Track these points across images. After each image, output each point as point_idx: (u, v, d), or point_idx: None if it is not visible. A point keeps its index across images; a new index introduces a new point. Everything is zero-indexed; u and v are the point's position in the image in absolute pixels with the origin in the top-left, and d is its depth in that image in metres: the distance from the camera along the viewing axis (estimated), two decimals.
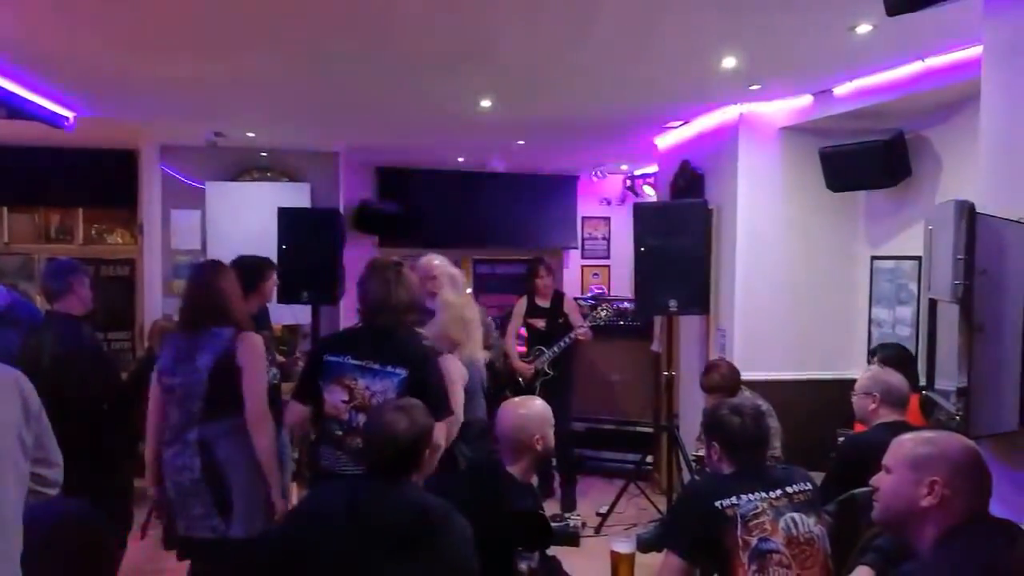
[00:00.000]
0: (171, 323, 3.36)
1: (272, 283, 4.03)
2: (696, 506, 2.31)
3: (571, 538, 2.72)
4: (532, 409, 2.70)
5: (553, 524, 2.64)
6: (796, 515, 2.27)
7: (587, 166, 8.16)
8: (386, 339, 2.90)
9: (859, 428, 3.44)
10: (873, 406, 3.18)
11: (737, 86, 4.32)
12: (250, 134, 6.02)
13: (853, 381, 3.54)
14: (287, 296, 5.26)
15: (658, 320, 5.93)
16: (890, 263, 4.59)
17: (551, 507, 4.94)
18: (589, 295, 8.16)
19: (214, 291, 3.05)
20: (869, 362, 4.02)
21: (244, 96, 4.75)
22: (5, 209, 6.46)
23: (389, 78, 4.23)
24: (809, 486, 2.38)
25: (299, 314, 5.71)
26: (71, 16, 3.24)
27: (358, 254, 6.55)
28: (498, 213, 8.30)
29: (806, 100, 4.59)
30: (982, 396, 2.27)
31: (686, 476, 4.74)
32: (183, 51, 3.76)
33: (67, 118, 5.09)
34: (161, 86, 4.46)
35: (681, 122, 5.53)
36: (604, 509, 5.13)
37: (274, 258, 5.24)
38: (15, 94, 4.41)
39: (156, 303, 6.28)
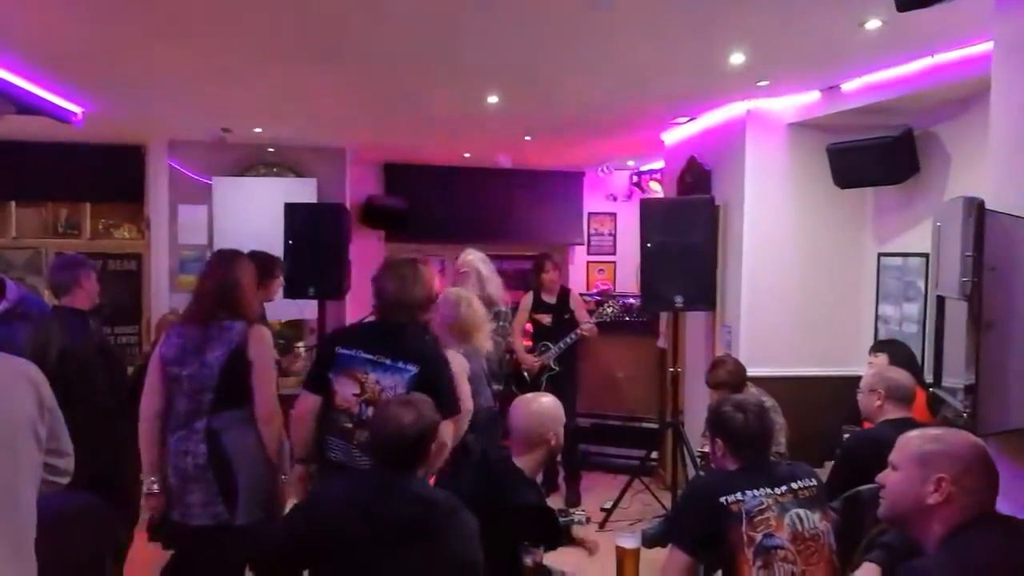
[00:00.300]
0: (179, 317, 3.35)
1: (279, 282, 4.06)
2: (701, 502, 2.31)
3: (570, 540, 2.74)
4: (548, 405, 2.73)
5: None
6: (801, 511, 2.27)
7: (594, 162, 8.14)
8: (398, 335, 2.92)
9: (866, 425, 3.44)
10: (878, 403, 3.18)
11: (745, 82, 4.31)
12: (257, 129, 6.02)
13: (859, 378, 3.54)
14: (293, 291, 5.27)
15: (664, 316, 5.93)
16: (897, 260, 4.57)
17: (555, 502, 4.95)
18: (595, 291, 8.15)
19: (231, 281, 3.05)
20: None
21: (251, 92, 4.76)
22: (13, 204, 6.49)
23: (396, 74, 4.23)
24: (814, 482, 2.38)
25: (305, 309, 5.71)
26: (80, 12, 3.24)
27: (364, 249, 6.58)
28: (504, 209, 8.29)
29: (814, 96, 4.57)
30: (990, 393, 2.26)
31: (691, 472, 4.74)
32: (191, 47, 3.76)
33: (75, 114, 5.10)
34: (169, 82, 4.46)
35: (688, 118, 5.52)
36: (609, 505, 5.14)
37: (280, 253, 5.28)
38: (24, 90, 4.43)
39: (163, 298, 6.31)
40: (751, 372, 4.16)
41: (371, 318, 3.18)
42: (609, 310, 5.62)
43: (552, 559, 2.76)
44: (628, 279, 8.38)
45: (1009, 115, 2.57)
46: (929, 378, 3.44)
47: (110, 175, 6.46)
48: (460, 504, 2.18)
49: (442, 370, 2.92)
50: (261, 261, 3.93)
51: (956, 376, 2.45)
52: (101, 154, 6.37)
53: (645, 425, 6.19)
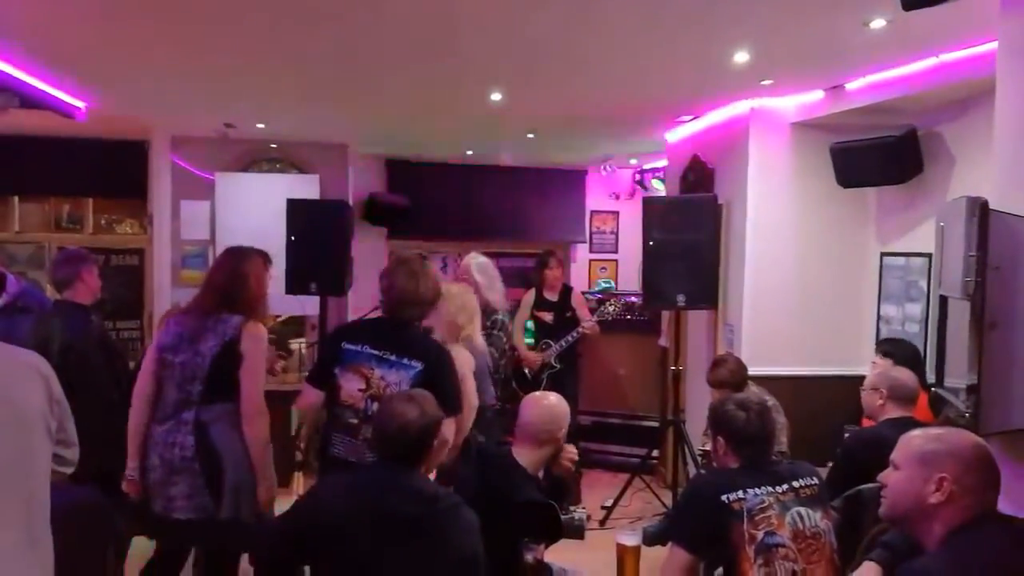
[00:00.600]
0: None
1: (268, 278, 4.03)
2: (702, 500, 2.31)
3: (577, 531, 2.74)
4: (560, 404, 2.75)
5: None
6: (802, 510, 2.27)
7: (596, 160, 8.14)
8: (404, 332, 2.93)
9: (868, 424, 3.44)
10: (880, 402, 3.18)
11: (748, 81, 4.30)
12: (260, 125, 6.02)
13: (861, 377, 3.54)
14: (295, 287, 5.27)
15: (666, 315, 5.93)
16: (900, 260, 4.56)
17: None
18: (596, 290, 8.15)
19: (237, 277, 3.06)
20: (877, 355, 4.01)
21: (254, 88, 4.76)
22: (16, 198, 6.49)
23: (399, 72, 4.23)
24: (816, 481, 2.38)
25: (307, 305, 5.71)
26: (83, 7, 3.24)
27: (367, 246, 6.58)
28: (506, 206, 8.29)
29: (818, 95, 4.56)
30: (993, 393, 2.26)
31: (692, 470, 4.75)
32: (194, 43, 3.77)
33: (79, 108, 5.10)
34: (172, 77, 4.47)
35: (692, 116, 5.51)
36: (609, 502, 5.14)
37: (283, 249, 5.28)
38: (28, 84, 4.43)
39: (165, 293, 6.31)
40: (753, 371, 4.15)
41: (375, 314, 3.18)
42: (611, 309, 5.62)
43: (552, 556, 2.77)
44: (630, 277, 8.37)
45: (1013, 115, 2.57)
46: (931, 378, 3.45)
47: (113, 170, 6.46)
48: (461, 500, 2.19)
49: (447, 367, 2.93)
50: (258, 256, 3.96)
51: (958, 376, 2.44)
52: (104, 149, 6.36)
53: (646, 423, 6.20)
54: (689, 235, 4.83)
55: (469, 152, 7.49)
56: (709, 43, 3.63)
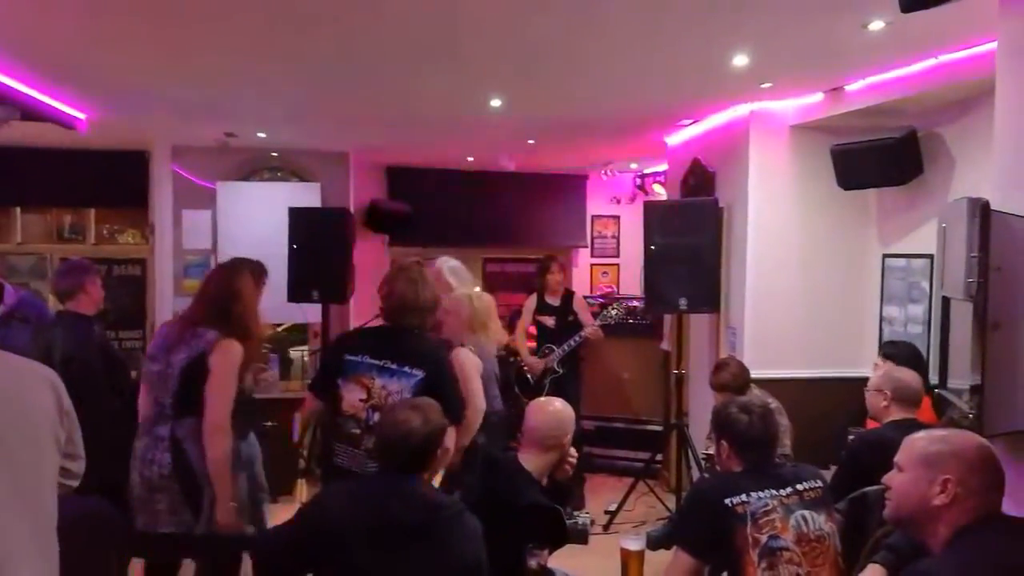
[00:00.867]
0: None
1: (262, 290, 4.03)
2: (706, 504, 2.30)
3: (580, 536, 2.73)
4: (565, 410, 2.75)
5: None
6: (806, 513, 2.26)
7: (597, 165, 8.14)
8: (404, 340, 2.93)
9: (871, 425, 3.43)
10: (885, 403, 3.17)
11: (748, 84, 4.30)
12: (261, 134, 6.04)
13: (864, 379, 3.53)
14: (297, 295, 5.28)
15: (668, 318, 5.92)
16: (902, 261, 4.56)
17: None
18: (598, 294, 8.15)
19: (228, 292, 3.05)
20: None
21: (255, 97, 4.77)
22: (18, 210, 6.50)
23: (399, 78, 4.24)
24: (819, 484, 2.37)
25: (309, 313, 5.72)
26: (83, 18, 3.25)
27: (368, 253, 6.58)
28: (508, 212, 8.30)
29: (817, 98, 4.56)
30: (996, 394, 2.25)
31: (695, 474, 4.74)
32: (194, 52, 3.77)
33: (80, 119, 5.12)
34: (172, 87, 4.47)
35: (692, 120, 5.52)
36: (613, 507, 5.13)
37: (285, 257, 5.29)
38: (29, 96, 4.44)
39: (167, 303, 6.31)
40: (755, 374, 4.15)
41: (376, 322, 3.18)
42: (613, 313, 5.62)
43: (555, 562, 2.76)
44: (632, 282, 8.37)
45: (1013, 115, 2.57)
46: (934, 379, 3.44)
47: (114, 180, 6.47)
48: (464, 507, 2.19)
49: (448, 375, 2.93)
50: (257, 268, 3.96)
51: (962, 377, 2.44)
52: (105, 160, 6.38)
53: (649, 427, 6.19)
54: (690, 239, 4.83)
55: (470, 158, 7.50)
56: (708, 47, 3.63)
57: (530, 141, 6.33)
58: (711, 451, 3.37)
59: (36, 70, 4.08)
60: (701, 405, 5.15)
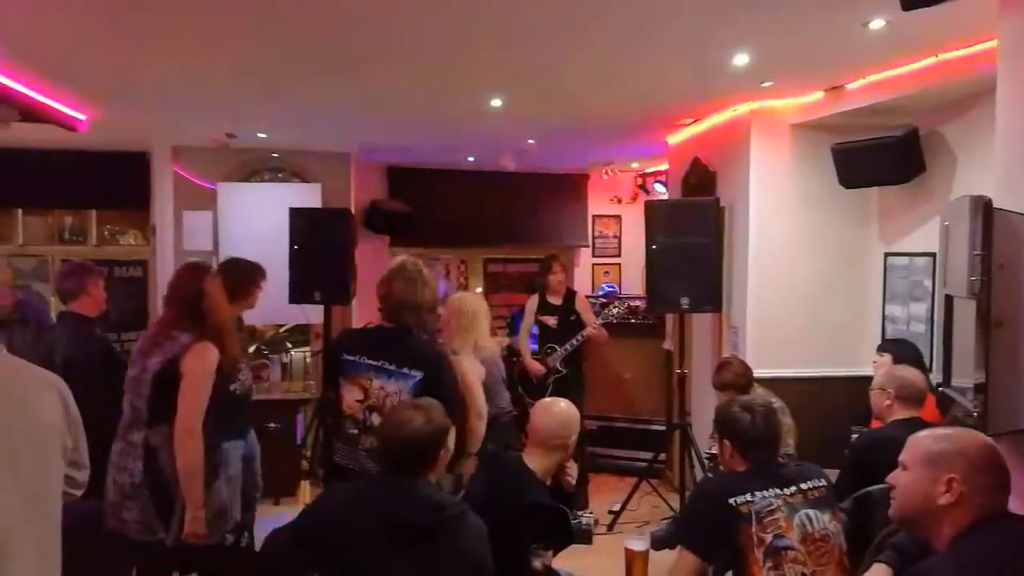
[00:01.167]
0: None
1: (259, 291, 4.00)
2: (710, 503, 2.30)
3: (584, 536, 2.73)
4: (570, 411, 2.75)
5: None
6: (811, 512, 2.26)
7: (598, 164, 8.14)
8: (401, 340, 2.92)
9: (875, 424, 3.42)
10: (888, 402, 3.17)
11: (749, 83, 4.30)
12: (261, 135, 6.04)
13: (867, 378, 3.53)
14: (299, 296, 5.28)
15: (670, 318, 5.92)
16: (904, 260, 4.56)
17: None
18: (600, 293, 8.14)
19: (194, 291, 2.99)
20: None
21: (255, 98, 4.77)
22: (19, 211, 6.51)
23: (400, 78, 4.24)
24: (824, 483, 2.37)
25: (311, 313, 5.72)
26: (84, 20, 3.25)
27: (369, 254, 6.58)
28: (509, 212, 8.30)
29: (818, 96, 4.56)
30: (1000, 392, 2.25)
31: (699, 474, 4.73)
32: (194, 54, 3.77)
33: (80, 120, 5.12)
34: (173, 88, 4.48)
35: (692, 119, 5.51)
36: (617, 507, 5.13)
37: (286, 258, 5.29)
38: (30, 97, 4.44)
39: None
40: (758, 373, 4.14)
41: (375, 322, 3.18)
42: (615, 311, 5.61)
43: (560, 562, 2.76)
44: (633, 281, 8.37)
45: (1015, 113, 2.57)
46: (937, 378, 3.43)
47: (115, 182, 6.47)
48: (468, 507, 2.19)
49: (447, 375, 2.92)
50: (244, 270, 3.95)
51: (965, 375, 2.44)
52: (106, 161, 6.38)
53: (652, 427, 6.18)
54: (692, 238, 4.83)
55: (470, 158, 7.50)
56: (709, 46, 3.63)
57: (530, 140, 6.33)
58: (714, 451, 3.37)
59: (37, 71, 4.08)
60: (704, 405, 5.15)
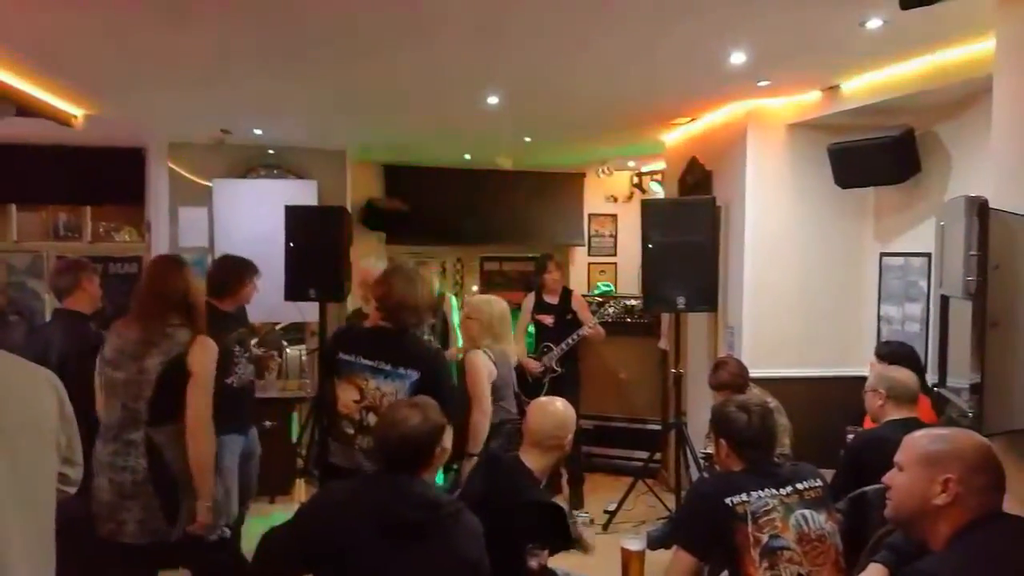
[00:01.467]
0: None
1: (251, 287, 4.03)
2: (706, 503, 2.30)
3: (583, 546, 2.74)
4: (566, 410, 2.75)
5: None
6: (807, 512, 2.26)
7: (594, 163, 8.14)
8: (398, 341, 2.91)
9: (870, 424, 3.43)
10: (880, 403, 3.17)
11: (745, 82, 4.30)
12: (257, 131, 6.02)
13: (862, 378, 3.53)
14: (294, 294, 5.27)
15: (665, 317, 5.92)
16: (899, 260, 4.56)
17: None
18: (596, 292, 8.15)
19: (180, 285, 2.96)
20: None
21: (250, 94, 4.75)
22: (14, 207, 6.47)
23: (396, 76, 4.23)
24: (820, 483, 2.37)
25: (306, 311, 5.70)
26: (78, 14, 3.23)
27: (365, 252, 6.57)
28: (504, 210, 8.30)
29: (815, 96, 4.56)
30: (996, 393, 2.26)
31: (694, 473, 4.74)
32: (189, 48, 3.76)
33: (75, 116, 5.10)
34: (168, 84, 4.46)
35: (689, 118, 5.51)
36: (612, 507, 5.13)
37: (281, 256, 5.28)
38: (25, 92, 4.42)
39: None
40: (754, 373, 4.15)
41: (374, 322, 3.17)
42: (611, 310, 5.61)
43: (555, 562, 2.75)
44: (629, 280, 8.38)
45: (1011, 114, 2.57)
46: (933, 378, 3.44)
47: (110, 178, 6.45)
48: (464, 506, 2.18)
49: (443, 375, 2.92)
50: (233, 266, 3.99)
51: (961, 376, 2.44)
52: (101, 157, 6.35)
53: (648, 426, 6.18)
54: (688, 237, 4.83)
55: (467, 156, 7.49)
56: (706, 44, 3.63)
57: (527, 139, 6.33)
58: (710, 450, 3.37)
59: (32, 66, 4.06)
60: (699, 404, 5.15)
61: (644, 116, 5.40)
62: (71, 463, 1.95)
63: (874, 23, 3.21)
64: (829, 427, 4.17)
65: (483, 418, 3.18)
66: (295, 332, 6.60)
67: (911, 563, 1.84)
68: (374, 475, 2.28)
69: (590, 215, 8.86)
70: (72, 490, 1.98)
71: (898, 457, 1.91)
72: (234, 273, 3.97)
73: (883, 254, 4.72)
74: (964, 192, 2.52)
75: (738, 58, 3.78)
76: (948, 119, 4.14)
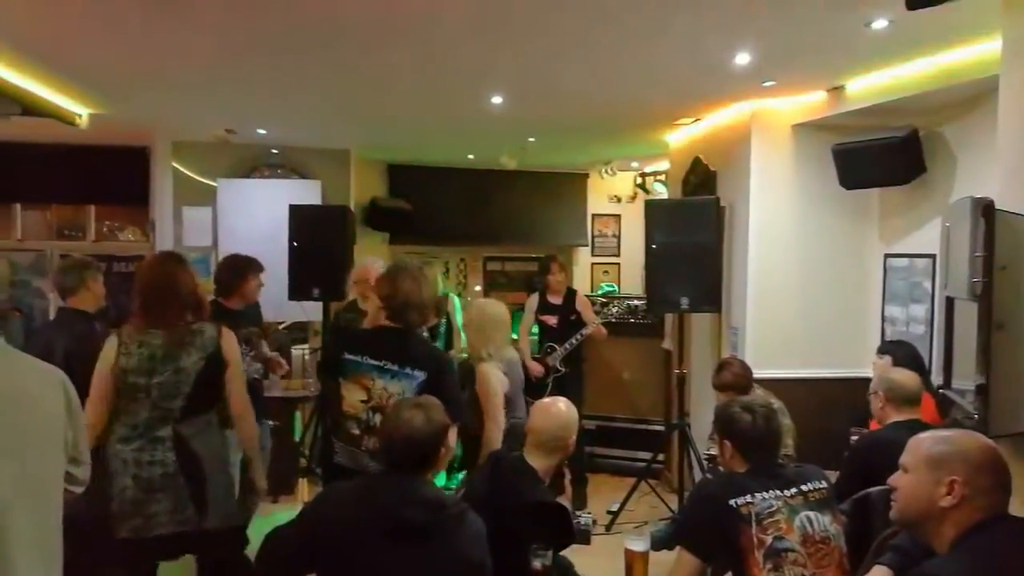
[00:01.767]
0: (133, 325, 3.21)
1: (254, 284, 4.10)
2: (711, 504, 2.29)
3: (583, 536, 2.73)
4: (569, 411, 2.75)
5: None
6: (811, 514, 2.25)
7: (598, 163, 8.13)
8: (405, 341, 2.91)
9: (873, 426, 3.42)
10: (881, 405, 3.15)
11: (750, 82, 4.29)
12: (261, 131, 6.03)
13: (866, 379, 3.52)
14: (298, 293, 5.27)
15: (669, 318, 5.91)
16: (904, 261, 4.55)
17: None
18: (599, 293, 8.14)
19: (191, 284, 3.00)
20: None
21: (255, 94, 4.76)
22: (18, 206, 6.50)
23: (401, 76, 4.23)
24: (824, 484, 2.36)
25: (310, 310, 5.71)
26: (85, 15, 3.24)
27: (369, 251, 6.56)
28: (508, 210, 8.29)
29: (819, 96, 4.55)
30: (1002, 395, 2.25)
31: (697, 474, 4.73)
32: (195, 50, 3.76)
33: (79, 115, 5.10)
34: (173, 84, 4.46)
35: (693, 119, 5.50)
36: (615, 507, 5.12)
37: (285, 255, 5.28)
38: (29, 91, 4.43)
39: None
40: (757, 374, 4.13)
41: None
42: (615, 310, 5.61)
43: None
44: (632, 281, 8.37)
45: (1017, 114, 2.56)
46: (938, 379, 3.43)
47: (114, 177, 6.47)
48: (468, 507, 2.18)
49: (450, 376, 2.92)
50: (235, 263, 4.06)
51: (966, 377, 2.43)
52: (105, 156, 6.37)
53: (651, 427, 6.18)
54: (692, 238, 4.82)
55: (470, 156, 7.49)
56: (711, 45, 3.62)
57: (530, 139, 6.32)
58: (713, 451, 3.36)
59: (37, 65, 4.07)
60: (703, 405, 5.15)
61: (648, 116, 5.40)
62: (77, 462, 1.95)
63: (879, 23, 3.20)
64: (833, 428, 4.16)
65: (497, 432, 3.19)
66: (299, 331, 6.61)
67: (916, 565, 1.83)
68: (379, 475, 2.28)
69: (594, 215, 8.86)
70: (78, 489, 1.98)
71: (903, 459, 1.90)
72: (235, 271, 4.04)
73: (887, 255, 4.71)
74: (969, 193, 2.52)
75: (743, 58, 3.78)
76: (953, 120, 4.13)
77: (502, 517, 2.26)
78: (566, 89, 4.56)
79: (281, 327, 6.45)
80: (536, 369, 5.52)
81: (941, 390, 2.93)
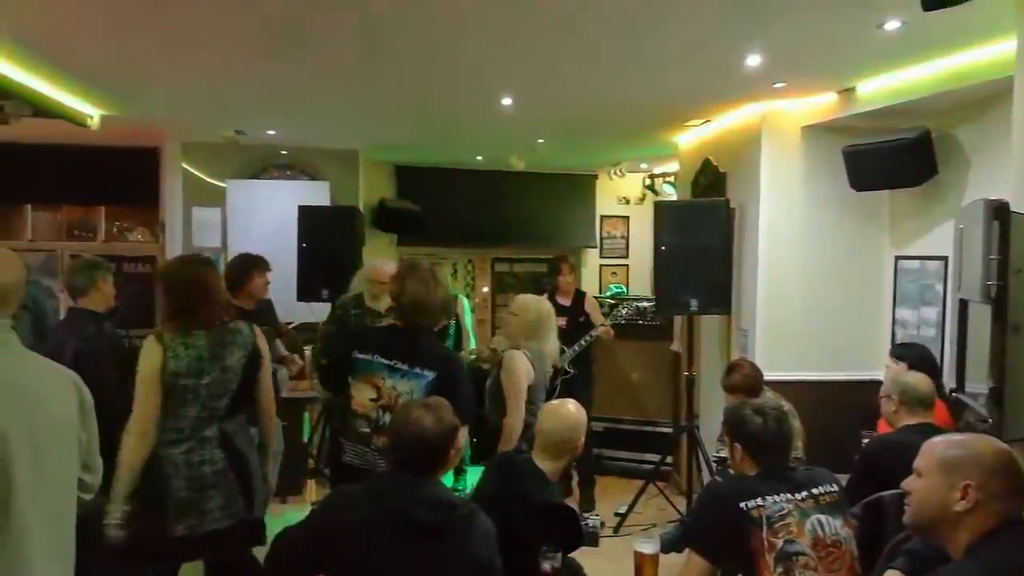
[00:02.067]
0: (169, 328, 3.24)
1: (260, 282, 4.15)
2: (721, 507, 2.28)
3: (591, 538, 2.72)
4: (578, 413, 2.75)
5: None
6: (822, 517, 2.24)
7: (606, 165, 8.12)
8: (415, 341, 2.91)
9: (883, 428, 3.40)
10: (894, 408, 3.13)
11: (760, 83, 4.27)
12: (271, 132, 6.04)
13: (876, 382, 3.50)
14: (306, 293, 5.28)
15: (678, 319, 5.90)
16: (915, 263, 4.52)
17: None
18: (608, 295, 8.13)
19: (215, 286, 3.03)
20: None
21: (265, 95, 4.77)
22: (28, 207, 6.53)
23: (410, 77, 4.23)
24: (835, 488, 2.35)
25: (318, 311, 5.71)
26: (96, 16, 3.25)
27: (377, 252, 6.58)
28: (516, 212, 8.29)
29: (830, 98, 4.53)
30: (1016, 398, 2.23)
31: (706, 477, 4.71)
32: (205, 51, 3.77)
33: (90, 116, 5.12)
34: (183, 85, 4.48)
35: (703, 120, 5.49)
36: (623, 509, 5.11)
37: (294, 256, 5.29)
38: (40, 92, 4.45)
39: None
40: (767, 376, 4.11)
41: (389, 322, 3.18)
42: (623, 311, 5.60)
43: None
44: (641, 282, 8.35)
45: None
46: (951, 383, 3.41)
47: (124, 178, 6.50)
48: (477, 507, 2.18)
49: (460, 376, 2.92)
50: (239, 262, 4.13)
51: (979, 381, 2.41)
52: (115, 157, 6.40)
53: (659, 429, 6.16)
54: (701, 239, 4.81)
55: (479, 158, 7.49)
56: (722, 46, 3.61)
57: (540, 140, 6.32)
58: (722, 454, 3.35)
59: (48, 66, 4.09)
60: (711, 407, 5.13)
61: (658, 118, 5.38)
62: (88, 468, 1.95)
63: (892, 24, 3.18)
64: (842, 431, 4.13)
65: (517, 420, 3.19)
66: (307, 332, 6.61)
67: (930, 570, 1.82)
68: (388, 476, 2.27)
69: (602, 217, 8.84)
70: (88, 496, 1.98)
71: (917, 463, 1.88)
72: (240, 269, 4.09)
73: (898, 257, 4.68)
74: (982, 195, 2.50)
75: (753, 60, 3.76)
76: (966, 121, 4.10)
77: (511, 519, 2.25)
78: (576, 90, 4.55)
79: (289, 327, 6.47)
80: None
81: (954, 393, 2.90)
